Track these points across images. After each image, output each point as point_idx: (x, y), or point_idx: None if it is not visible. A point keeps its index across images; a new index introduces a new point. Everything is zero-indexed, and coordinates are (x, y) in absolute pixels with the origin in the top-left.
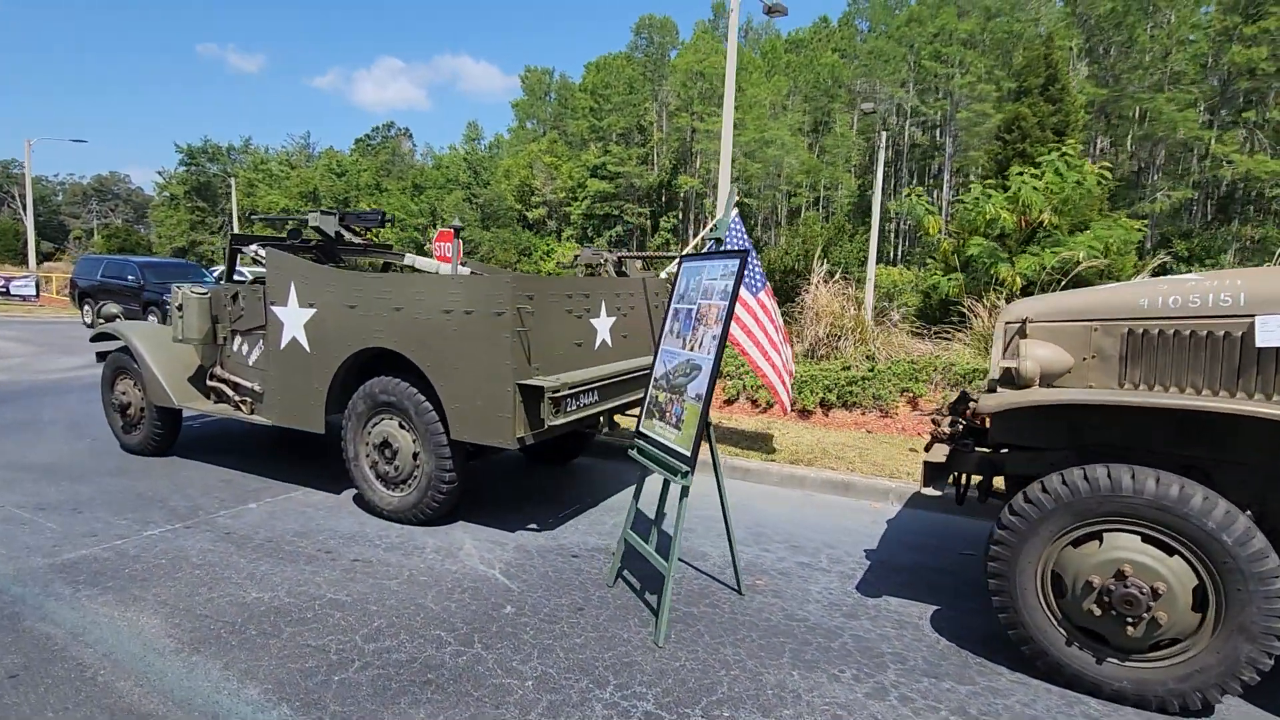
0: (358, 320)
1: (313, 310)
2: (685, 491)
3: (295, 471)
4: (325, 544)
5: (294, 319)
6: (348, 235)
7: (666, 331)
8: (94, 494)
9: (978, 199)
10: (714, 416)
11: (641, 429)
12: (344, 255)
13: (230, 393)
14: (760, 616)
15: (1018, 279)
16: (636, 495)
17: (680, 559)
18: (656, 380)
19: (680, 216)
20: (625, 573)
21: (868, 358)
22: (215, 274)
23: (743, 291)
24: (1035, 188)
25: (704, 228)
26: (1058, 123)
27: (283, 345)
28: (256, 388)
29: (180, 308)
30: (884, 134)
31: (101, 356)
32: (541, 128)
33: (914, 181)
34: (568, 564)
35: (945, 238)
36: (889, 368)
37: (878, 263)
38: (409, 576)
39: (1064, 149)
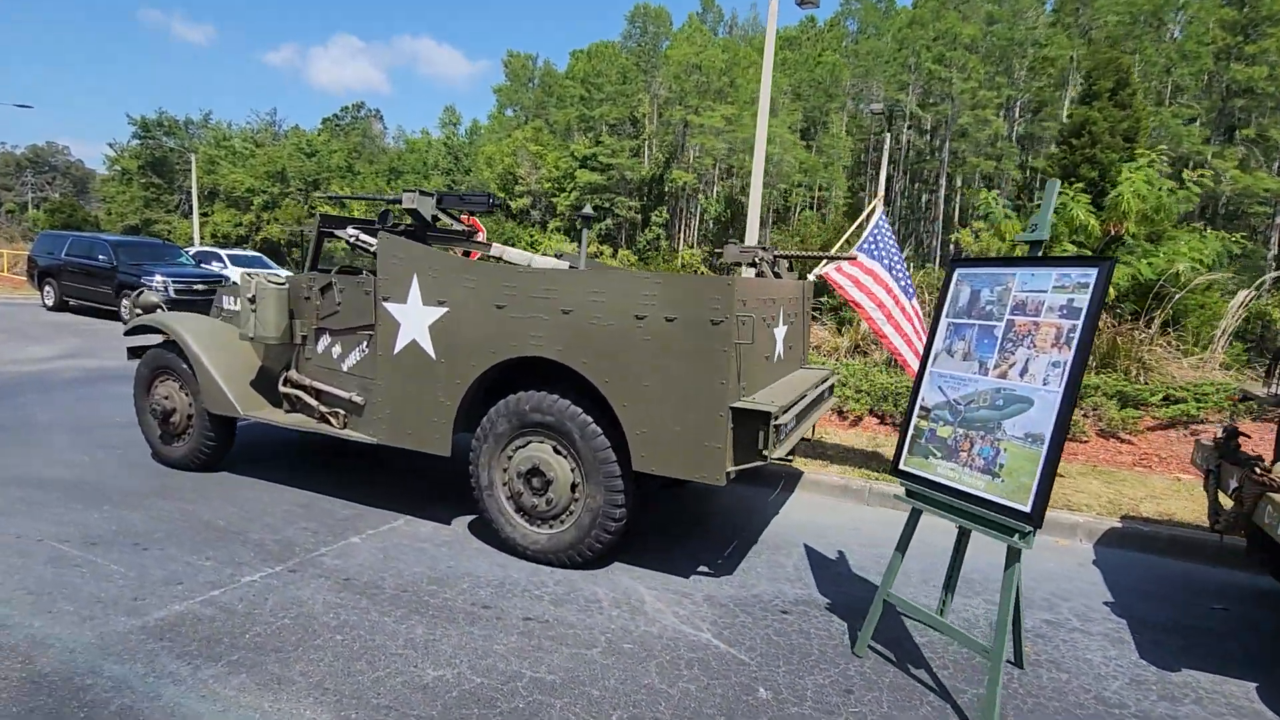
0: (507, 324)
1: (443, 310)
2: (1016, 556)
3: (377, 493)
4: (474, 595)
5: (416, 319)
6: (445, 220)
7: (939, 350)
8: (149, 523)
9: (1065, 204)
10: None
11: (909, 468)
12: (432, 244)
13: (312, 402)
14: (1068, 700)
15: (1111, 290)
16: (903, 550)
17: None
18: (929, 410)
19: (671, 211)
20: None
21: None
22: (191, 254)
23: (878, 268)
24: (1141, 195)
25: (696, 222)
26: (1128, 129)
27: (397, 350)
28: (355, 398)
29: (253, 300)
30: (889, 135)
31: (135, 353)
32: (524, 114)
33: (912, 185)
34: (784, 623)
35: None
36: None
37: None
38: (609, 643)
39: (1152, 155)
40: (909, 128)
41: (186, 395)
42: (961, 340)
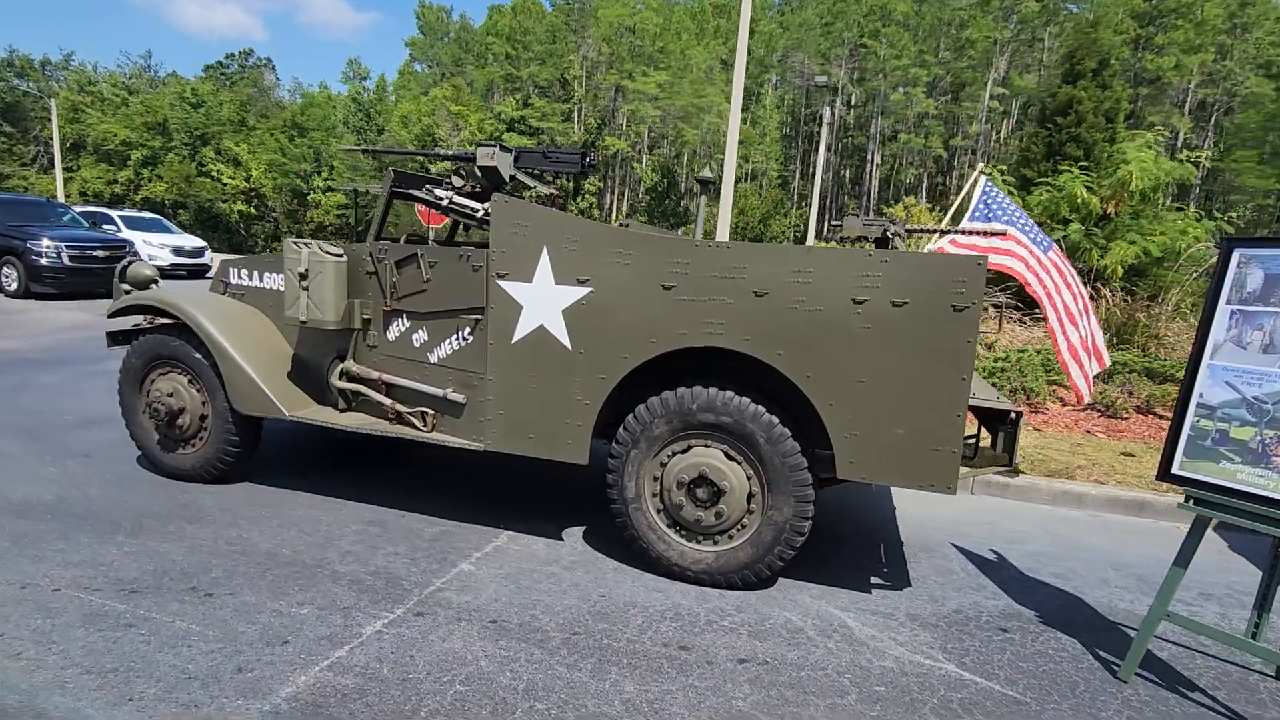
0: (677, 308)
1: (585, 290)
2: None
3: (452, 503)
4: (657, 632)
5: (545, 301)
6: (531, 183)
7: (1220, 341)
8: (194, 558)
9: (1067, 181)
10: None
11: (1191, 473)
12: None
13: (381, 399)
14: None
15: (1119, 267)
16: (1184, 565)
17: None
18: (1214, 408)
19: (605, 179)
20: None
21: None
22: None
23: (1034, 248)
24: (1150, 173)
25: (628, 191)
26: (1109, 109)
27: (517, 338)
28: (451, 395)
29: (305, 275)
30: (829, 108)
31: (117, 339)
32: (441, 72)
33: (839, 160)
34: (1017, 646)
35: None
36: (1024, 356)
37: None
38: (858, 688)
39: (1149, 135)
40: (840, 103)
41: (199, 392)
42: (1257, 330)
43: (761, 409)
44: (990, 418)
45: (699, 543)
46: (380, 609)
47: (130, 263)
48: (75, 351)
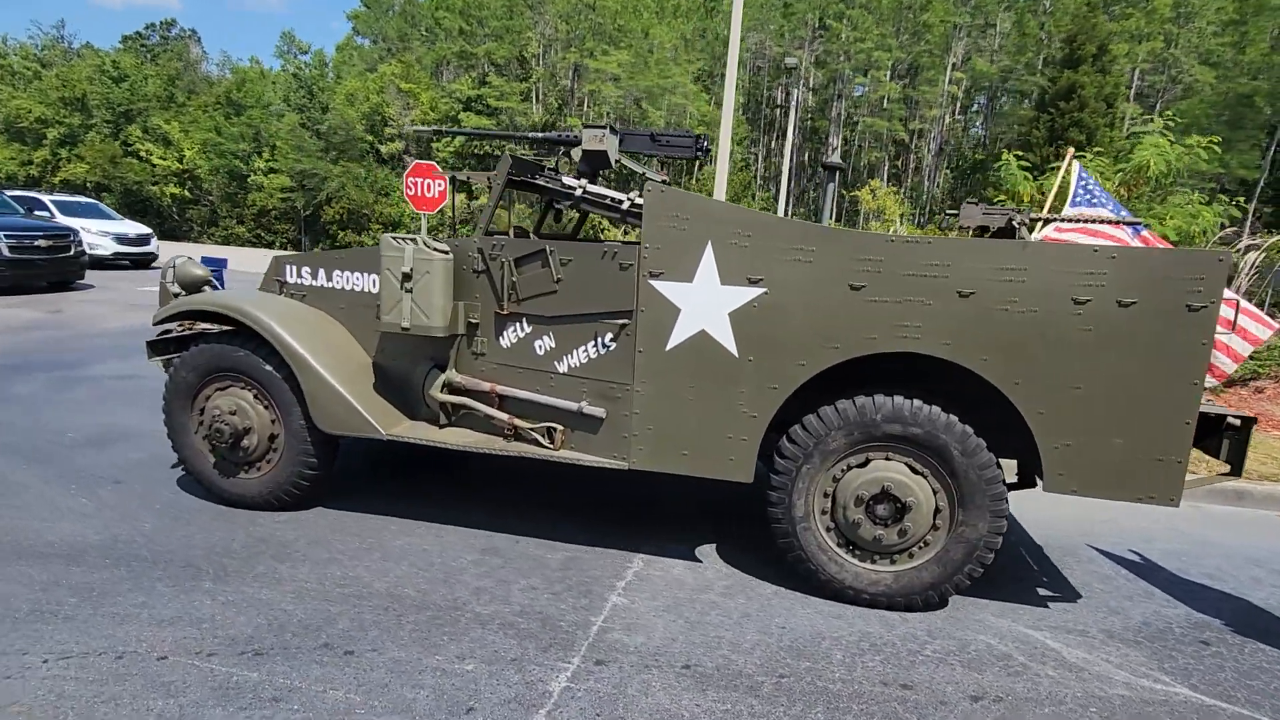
0: (866, 310)
1: (756, 291)
2: None
3: (548, 520)
4: (866, 668)
5: (707, 303)
6: (640, 169)
7: None
8: (303, 603)
9: (1085, 166)
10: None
11: None
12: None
13: (495, 413)
14: None
15: None
16: None
17: None
18: None
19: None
20: None
21: None
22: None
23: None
24: (1167, 158)
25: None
26: (1109, 94)
27: (673, 344)
28: (586, 409)
29: (409, 276)
30: (795, 92)
31: (159, 349)
32: (387, 46)
33: (803, 142)
34: (1226, 659)
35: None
36: None
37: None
38: None
39: (1161, 120)
40: (802, 85)
41: (268, 409)
42: None
43: (954, 419)
44: (1208, 422)
45: (874, 563)
46: (553, 659)
47: (177, 260)
48: (39, 355)
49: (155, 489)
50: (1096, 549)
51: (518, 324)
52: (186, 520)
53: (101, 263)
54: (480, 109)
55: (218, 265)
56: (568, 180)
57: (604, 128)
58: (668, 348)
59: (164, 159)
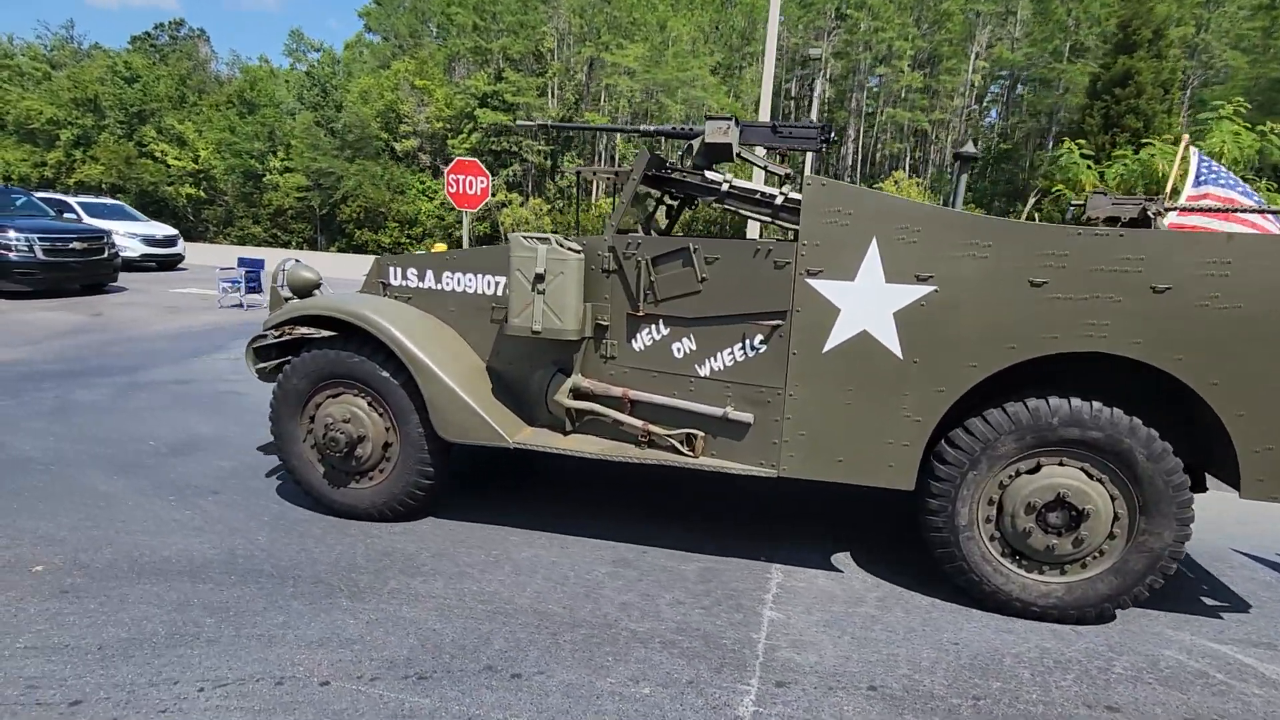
0: (1047, 307)
1: (926, 289)
2: None
3: (667, 527)
4: (1060, 688)
5: (870, 302)
6: (760, 163)
7: None
8: (450, 621)
9: (1154, 155)
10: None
11: None
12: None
13: (627, 420)
14: None
15: None
16: None
17: None
18: None
19: (583, 157)
20: None
21: None
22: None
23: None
24: (1242, 146)
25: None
26: (1166, 80)
27: (830, 346)
28: (732, 414)
29: (541, 277)
30: (819, 83)
31: (264, 355)
32: (399, 43)
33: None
34: None
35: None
36: None
37: None
38: None
39: (1230, 106)
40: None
41: (382, 416)
42: None
43: (1138, 422)
44: None
45: (1043, 573)
46: (729, 680)
47: (287, 264)
48: (93, 360)
49: (256, 499)
50: (1245, 554)
51: (653, 326)
52: (300, 533)
53: (129, 264)
54: (496, 105)
55: (255, 266)
56: (711, 175)
57: (729, 119)
58: (825, 350)
59: (179, 159)
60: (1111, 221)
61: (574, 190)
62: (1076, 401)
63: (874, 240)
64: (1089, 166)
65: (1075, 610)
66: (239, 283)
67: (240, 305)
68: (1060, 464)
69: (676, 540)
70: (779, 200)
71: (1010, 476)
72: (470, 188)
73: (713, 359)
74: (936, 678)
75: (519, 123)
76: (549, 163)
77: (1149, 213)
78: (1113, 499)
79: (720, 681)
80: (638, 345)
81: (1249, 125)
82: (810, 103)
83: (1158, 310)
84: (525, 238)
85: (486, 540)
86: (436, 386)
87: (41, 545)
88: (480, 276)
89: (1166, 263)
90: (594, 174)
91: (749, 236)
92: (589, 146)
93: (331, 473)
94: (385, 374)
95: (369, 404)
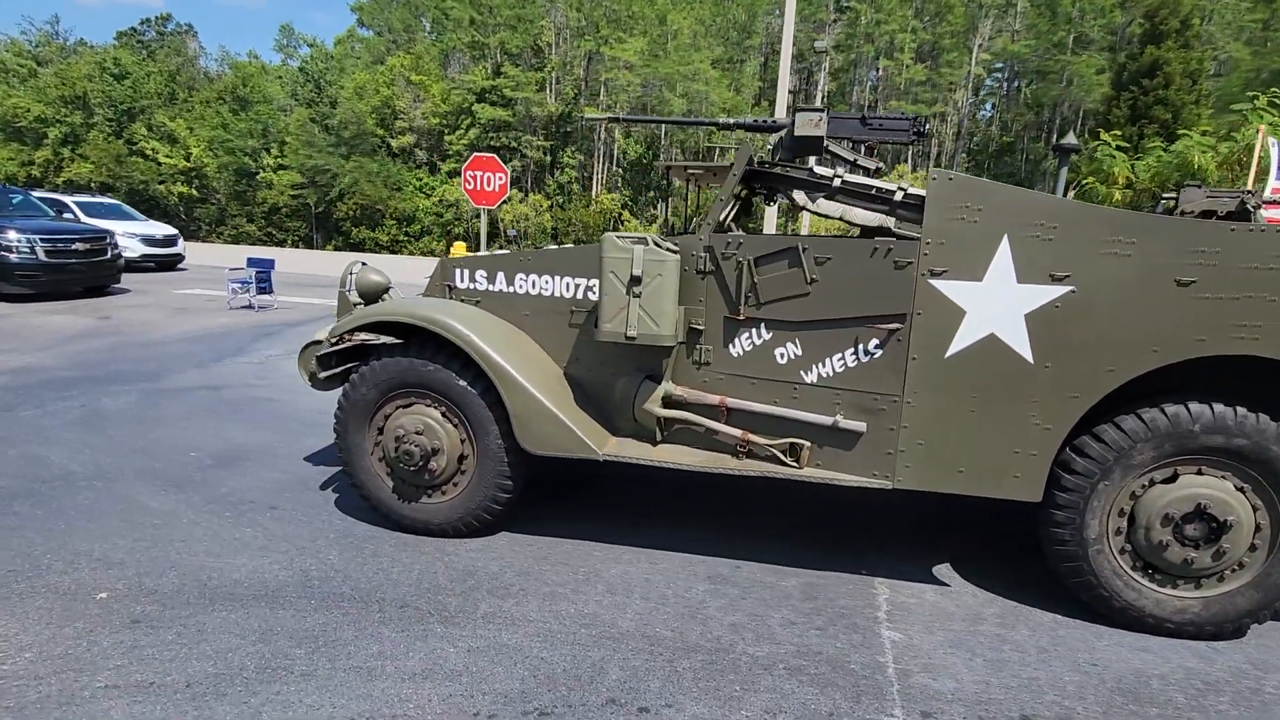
0: (1193, 308)
1: (1062, 289)
2: None
3: (756, 539)
4: (1218, 711)
5: (999, 304)
6: (850, 156)
7: None
8: (554, 648)
9: (1189, 146)
10: None
11: None
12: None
13: (724, 429)
14: None
15: None
16: None
17: None
18: None
19: (583, 152)
20: None
21: None
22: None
23: None
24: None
25: (610, 165)
26: (1194, 70)
27: (954, 351)
28: (841, 422)
29: (639, 279)
30: (823, 77)
31: (327, 363)
32: (393, 38)
33: None
34: None
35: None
36: None
37: None
38: None
39: (1265, 97)
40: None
41: (457, 427)
42: None
43: None
44: None
45: (1177, 588)
46: (870, 710)
47: (355, 268)
48: (110, 365)
49: (317, 515)
50: None
51: (753, 330)
52: (371, 551)
53: (128, 265)
54: (495, 100)
55: (265, 266)
56: (820, 170)
57: (820, 110)
58: (947, 355)
59: (170, 158)
60: (1207, 215)
61: (574, 186)
62: (1219, 407)
63: (1005, 238)
64: (1123, 159)
65: (1212, 626)
66: (249, 283)
67: (251, 306)
68: (1199, 473)
69: (768, 553)
70: (898, 196)
71: (1143, 487)
72: (488, 184)
73: (821, 365)
74: (1088, 704)
75: (587, 116)
76: (548, 158)
77: (1248, 206)
78: (1254, 510)
79: (861, 713)
80: (736, 350)
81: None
82: (815, 96)
83: None
84: (620, 238)
85: (569, 556)
86: (521, 396)
87: (101, 569)
88: (558, 279)
89: None
90: (685, 171)
91: (765, 232)
92: (585, 144)
93: (402, 487)
94: (463, 383)
95: (443, 414)
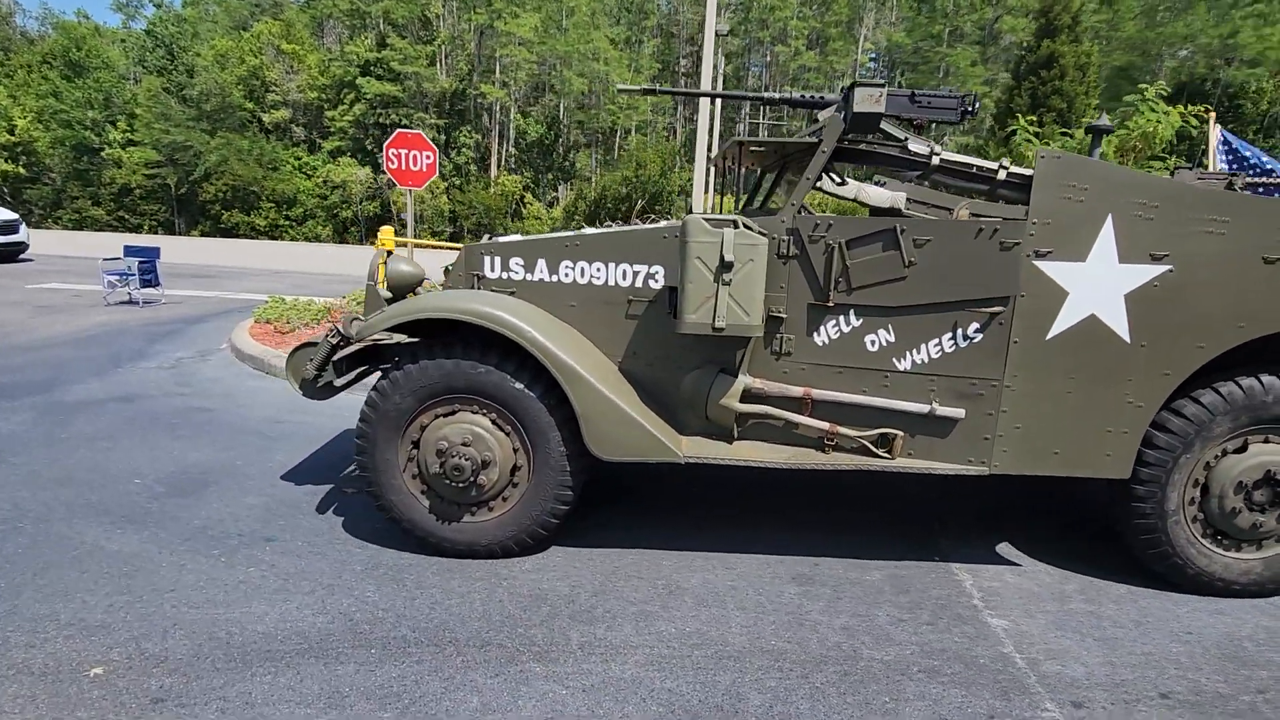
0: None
1: (1161, 268)
2: None
3: (788, 533)
4: None
5: (1101, 284)
6: (901, 135)
7: None
8: (676, 677)
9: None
10: None
11: None
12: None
13: (810, 422)
14: None
15: None
16: None
17: None
18: None
19: (480, 132)
20: None
21: None
22: None
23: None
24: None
25: (509, 145)
26: (1083, 63)
27: (1055, 332)
28: (938, 410)
29: (729, 265)
30: (721, 59)
31: (358, 363)
32: (256, 2)
33: (688, 113)
34: None
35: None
36: None
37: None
38: None
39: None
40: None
41: (508, 436)
42: None
43: None
44: None
45: (1241, 550)
46: (1024, 708)
47: (385, 258)
48: None
49: (329, 545)
50: None
51: (841, 316)
52: (414, 582)
53: None
54: (382, 74)
55: (149, 255)
56: (915, 147)
57: (880, 86)
58: (1049, 336)
59: None
60: None
61: (470, 168)
62: None
63: (1110, 218)
64: (1036, 143)
65: (1273, 584)
66: (129, 275)
67: (134, 301)
68: (1265, 441)
69: (839, 548)
70: (1001, 175)
71: (1216, 457)
72: (414, 163)
73: (915, 351)
74: (1208, 675)
75: (621, 87)
76: (444, 138)
77: (1236, 186)
78: None
79: (1018, 711)
80: (820, 339)
81: (1168, 110)
82: (718, 80)
83: None
84: (706, 219)
85: (639, 568)
86: (591, 397)
87: (80, 636)
88: (613, 266)
89: None
90: (761, 145)
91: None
92: (482, 122)
93: (441, 506)
94: (519, 385)
95: (493, 422)
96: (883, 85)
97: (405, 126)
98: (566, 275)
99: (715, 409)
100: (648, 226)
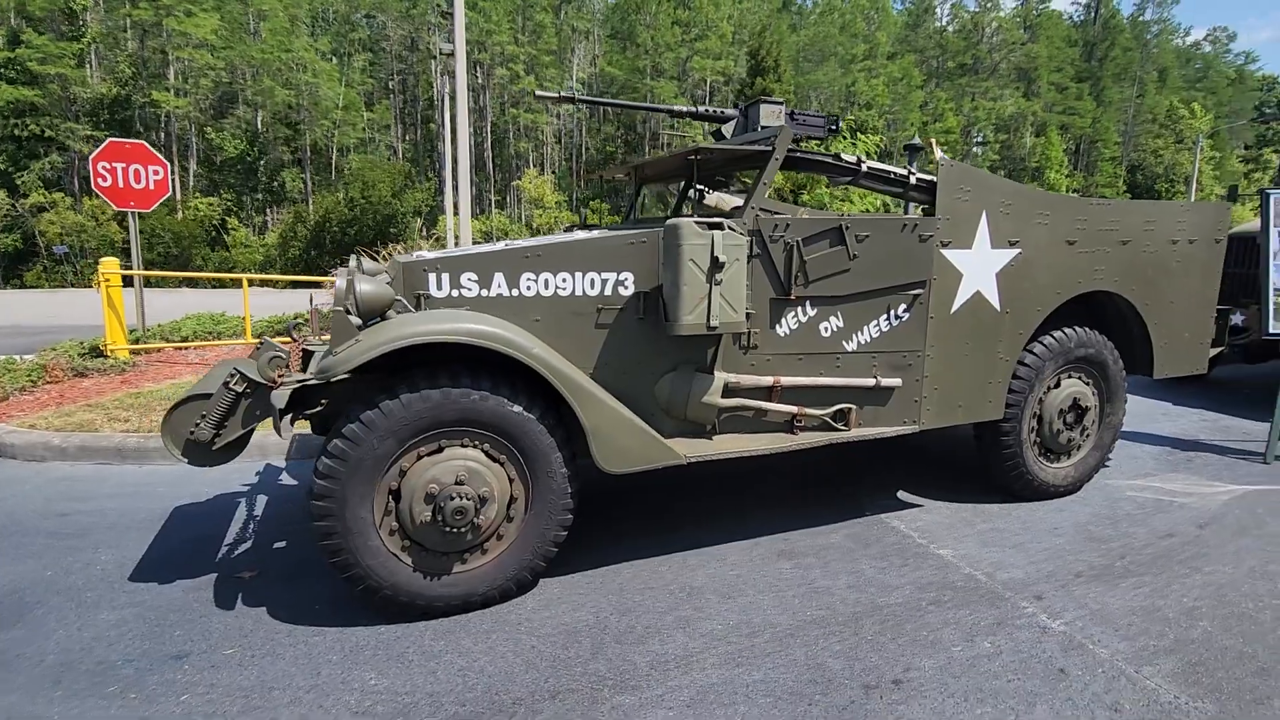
0: (1077, 260)
1: (1014, 252)
2: None
3: (727, 515)
4: (1170, 541)
5: (982, 266)
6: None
7: None
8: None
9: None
10: None
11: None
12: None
13: (777, 407)
14: None
15: None
16: None
17: None
18: None
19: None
20: None
21: None
22: None
23: None
24: (868, 148)
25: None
26: (788, 99)
27: (956, 307)
28: (884, 381)
29: (720, 264)
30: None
31: (300, 405)
32: None
33: (416, 132)
34: None
35: None
36: None
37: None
38: None
39: (847, 122)
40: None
41: (504, 466)
42: None
43: (1105, 338)
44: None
45: (1059, 461)
46: (1039, 613)
47: (353, 278)
48: None
49: (270, 642)
50: None
51: (799, 308)
52: (418, 655)
53: None
54: (15, 76)
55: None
56: (847, 156)
57: (781, 103)
58: (952, 311)
59: None
60: None
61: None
62: (1081, 330)
63: (984, 213)
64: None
65: (1081, 481)
66: None
67: None
68: (1070, 376)
69: (790, 522)
70: (912, 180)
71: (1045, 392)
72: (137, 179)
73: (859, 333)
74: (1087, 554)
75: (538, 94)
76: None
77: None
78: (1095, 393)
79: (1011, 613)
80: (782, 330)
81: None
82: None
83: (1123, 256)
84: (698, 222)
85: (640, 579)
86: (601, 412)
87: None
88: (580, 275)
89: (1128, 223)
90: (706, 154)
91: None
92: (159, 136)
93: (428, 560)
94: (517, 409)
95: (485, 454)
96: (782, 103)
97: (50, 138)
98: (529, 288)
99: (697, 408)
100: (613, 234)
